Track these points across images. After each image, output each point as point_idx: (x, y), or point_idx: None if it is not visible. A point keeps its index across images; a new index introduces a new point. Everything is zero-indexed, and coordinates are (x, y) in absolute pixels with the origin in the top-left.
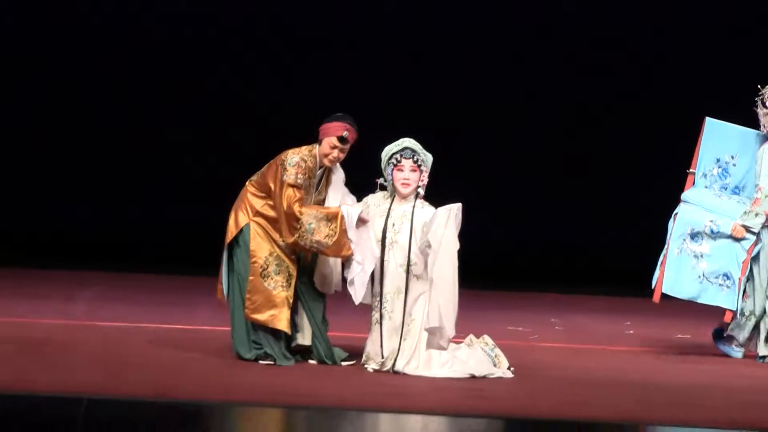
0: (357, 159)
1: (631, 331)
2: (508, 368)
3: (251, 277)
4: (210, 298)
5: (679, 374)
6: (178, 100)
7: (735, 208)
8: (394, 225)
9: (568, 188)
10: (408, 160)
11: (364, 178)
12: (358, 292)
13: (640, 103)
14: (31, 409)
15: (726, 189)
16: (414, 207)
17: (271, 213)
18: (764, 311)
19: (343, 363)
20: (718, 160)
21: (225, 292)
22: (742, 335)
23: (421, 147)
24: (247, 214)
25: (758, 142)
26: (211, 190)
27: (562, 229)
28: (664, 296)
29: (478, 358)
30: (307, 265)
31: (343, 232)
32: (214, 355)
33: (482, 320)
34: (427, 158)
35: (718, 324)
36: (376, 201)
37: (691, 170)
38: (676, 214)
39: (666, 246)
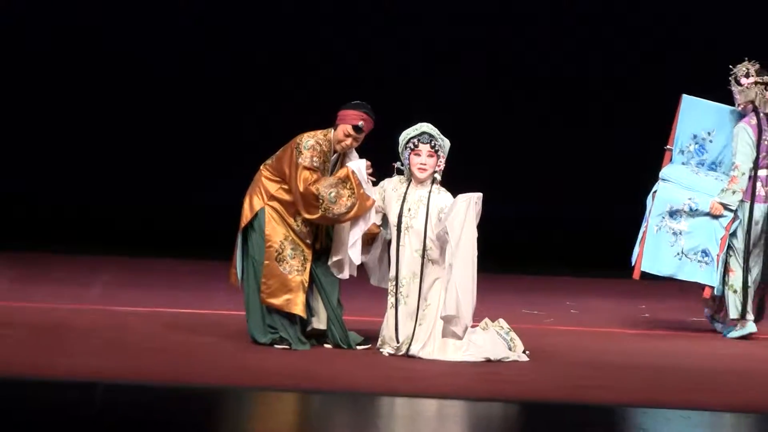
0: (376, 141)
1: (647, 315)
2: (524, 352)
3: (266, 262)
4: (224, 282)
5: (696, 357)
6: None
7: (713, 185)
8: (410, 210)
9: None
10: (425, 145)
11: (382, 161)
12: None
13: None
14: (48, 393)
15: (703, 165)
16: (430, 192)
17: (286, 197)
18: (747, 281)
19: (359, 347)
20: (695, 137)
21: (240, 276)
22: (734, 311)
23: (438, 132)
24: (262, 199)
25: (734, 119)
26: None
27: (578, 207)
28: (644, 274)
29: (494, 342)
30: (322, 250)
31: (359, 185)
32: (230, 340)
33: (497, 304)
34: (445, 144)
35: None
36: (393, 185)
37: (668, 147)
38: (655, 191)
39: (645, 224)
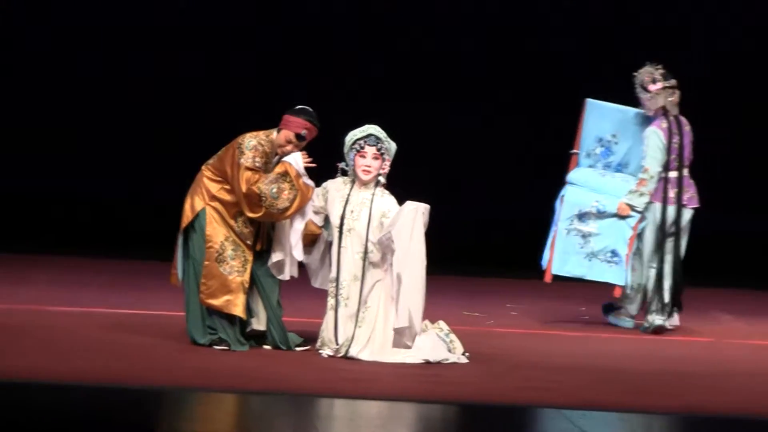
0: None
1: (587, 317)
2: (463, 354)
3: (207, 262)
4: (164, 283)
5: (635, 360)
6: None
7: (620, 186)
8: (352, 211)
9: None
10: (371, 147)
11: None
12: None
13: None
14: None
15: (609, 167)
16: (374, 195)
17: (228, 197)
18: (649, 282)
19: (298, 348)
20: (600, 140)
21: (180, 277)
22: (633, 308)
23: (386, 135)
24: (203, 199)
25: (639, 120)
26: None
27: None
28: (555, 276)
29: (433, 344)
30: (262, 251)
31: (297, 176)
32: (169, 340)
33: (438, 306)
34: (391, 147)
35: (608, 299)
36: (336, 186)
37: (574, 151)
38: (563, 196)
39: (554, 227)
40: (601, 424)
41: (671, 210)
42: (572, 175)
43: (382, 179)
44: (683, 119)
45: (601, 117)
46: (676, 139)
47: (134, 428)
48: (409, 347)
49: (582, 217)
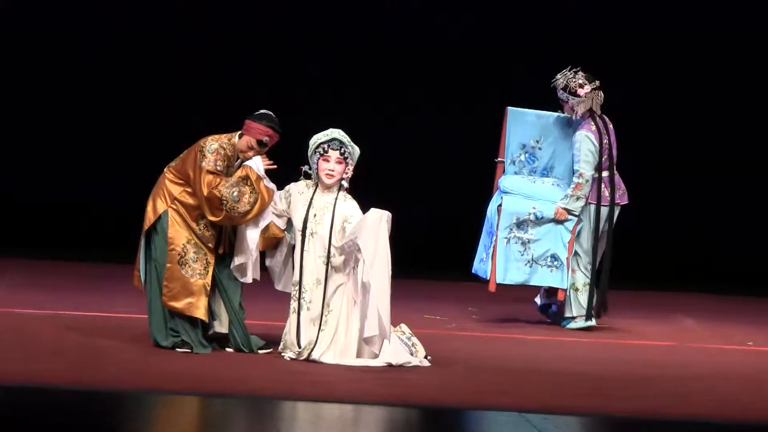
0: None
1: (548, 320)
2: (425, 357)
3: (169, 265)
4: (127, 285)
5: (595, 363)
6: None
7: (552, 191)
8: (315, 215)
9: None
10: (335, 152)
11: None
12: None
13: None
14: None
15: (535, 172)
16: (336, 199)
17: (190, 200)
18: (589, 281)
19: (260, 351)
20: (523, 146)
21: (142, 279)
22: (578, 308)
23: (349, 139)
24: (165, 201)
25: (560, 124)
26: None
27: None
28: (499, 285)
29: (395, 347)
30: (225, 253)
31: (258, 179)
32: (131, 343)
33: (399, 309)
34: (355, 151)
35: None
36: (299, 189)
37: (499, 159)
38: (500, 205)
39: (494, 238)
40: (562, 427)
41: (605, 210)
42: (504, 184)
43: (345, 183)
44: (606, 118)
45: (522, 123)
46: (606, 140)
47: (96, 431)
48: (376, 355)
49: (520, 225)
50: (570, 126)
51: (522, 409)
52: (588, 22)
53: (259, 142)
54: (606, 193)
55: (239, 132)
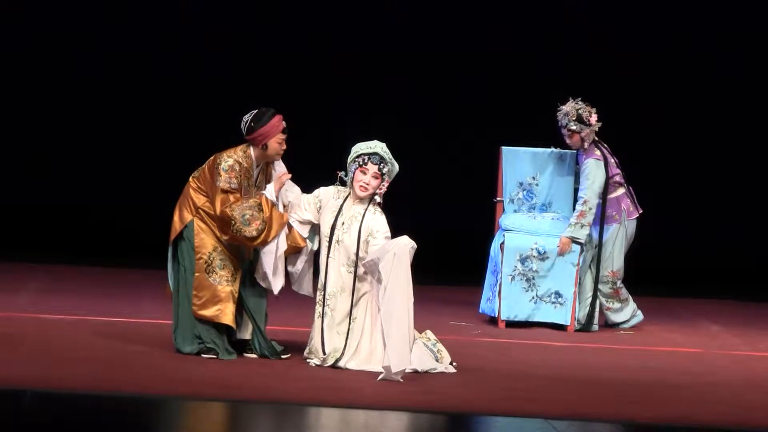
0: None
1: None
2: (451, 363)
3: (197, 274)
4: (155, 291)
5: (622, 370)
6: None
7: (552, 226)
8: (343, 224)
9: None
10: (374, 166)
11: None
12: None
13: None
14: None
15: (534, 209)
16: (366, 210)
17: (212, 212)
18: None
19: (281, 357)
20: (520, 184)
21: (171, 287)
22: (624, 314)
23: (390, 156)
24: (191, 211)
25: (553, 159)
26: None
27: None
28: (506, 321)
29: (421, 354)
30: (250, 261)
31: (272, 207)
32: (159, 349)
33: (425, 315)
34: (393, 168)
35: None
36: (331, 194)
37: (498, 199)
38: (502, 243)
39: (498, 276)
40: None
41: (632, 224)
42: (505, 222)
43: (378, 198)
44: (602, 142)
45: (517, 162)
46: (612, 161)
47: None
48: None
49: (524, 261)
50: (564, 160)
51: (548, 416)
52: (588, 22)
53: (284, 131)
54: (631, 207)
55: (252, 145)
